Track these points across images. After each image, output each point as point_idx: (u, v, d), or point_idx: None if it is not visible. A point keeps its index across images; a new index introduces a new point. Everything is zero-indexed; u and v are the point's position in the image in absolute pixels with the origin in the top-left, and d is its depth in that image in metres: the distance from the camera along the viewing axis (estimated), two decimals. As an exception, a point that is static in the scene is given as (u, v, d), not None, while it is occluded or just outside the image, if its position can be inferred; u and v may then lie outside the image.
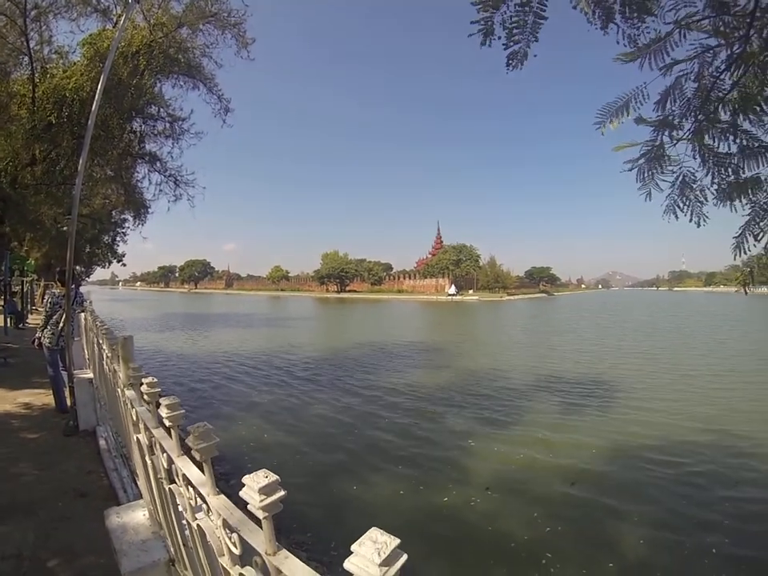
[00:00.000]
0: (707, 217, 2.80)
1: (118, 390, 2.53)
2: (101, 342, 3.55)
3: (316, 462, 6.58)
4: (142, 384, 1.75)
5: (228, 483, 5.44)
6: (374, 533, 0.64)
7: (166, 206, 13.08)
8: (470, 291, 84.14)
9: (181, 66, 10.93)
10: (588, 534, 4.75)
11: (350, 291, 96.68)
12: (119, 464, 3.74)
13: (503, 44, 2.32)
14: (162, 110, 12.01)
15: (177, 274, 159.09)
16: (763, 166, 2.49)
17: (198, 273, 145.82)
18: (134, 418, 1.92)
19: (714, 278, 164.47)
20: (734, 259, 2.83)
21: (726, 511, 5.10)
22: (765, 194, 2.47)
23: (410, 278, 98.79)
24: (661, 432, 7.71)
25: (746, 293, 3.18)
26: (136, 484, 2.88)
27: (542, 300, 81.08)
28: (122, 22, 5.50)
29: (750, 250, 2.64)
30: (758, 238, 2.47)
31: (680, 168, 2.81)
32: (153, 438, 1.63)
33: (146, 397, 1.70)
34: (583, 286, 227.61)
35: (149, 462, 1.78)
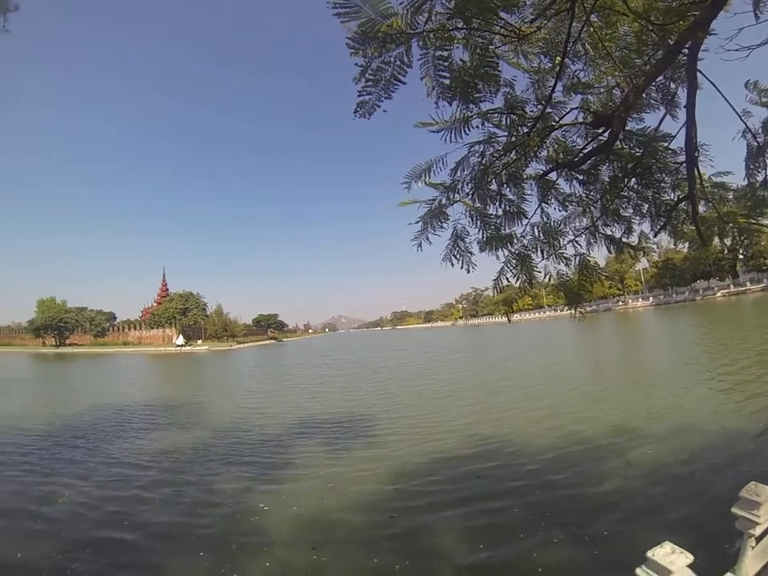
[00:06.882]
0: (475, 264, 3.46)
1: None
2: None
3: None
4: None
5: None
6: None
7: None
8: (199, 341, 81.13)
9: None
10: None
11: (71, 345, 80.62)
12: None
13: (357, 91, 2.48)
14: None
15: None
16: (517, 225, 3.35)
17: None
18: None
19: (433, 314, 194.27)
20: (493, 296, 3.65)
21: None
22: (516, 246, 3.33)
23: (135, 329, 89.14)
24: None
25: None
26: None
27: (271, 346, 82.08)
28: None
29: (505, 289, 3.47)
30: (517, 280, 3.27)
31: (454, 224, 3.43)
32: None
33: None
34: (311, 330, 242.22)
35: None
